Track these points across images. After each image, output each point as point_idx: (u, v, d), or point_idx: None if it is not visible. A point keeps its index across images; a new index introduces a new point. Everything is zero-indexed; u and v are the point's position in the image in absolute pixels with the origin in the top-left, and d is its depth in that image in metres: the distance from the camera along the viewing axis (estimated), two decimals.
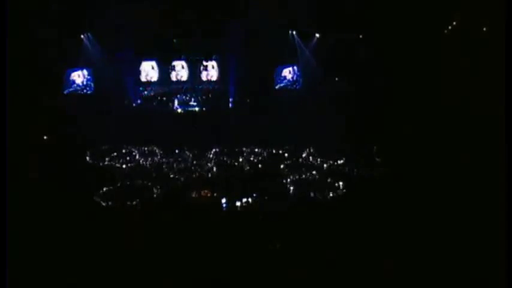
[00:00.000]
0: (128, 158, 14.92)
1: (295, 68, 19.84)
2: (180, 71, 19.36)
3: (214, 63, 19.57)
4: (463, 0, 15.59)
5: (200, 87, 19.50)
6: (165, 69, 19.11)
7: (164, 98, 19.20)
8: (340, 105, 16.90)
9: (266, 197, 12.01)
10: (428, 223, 9.76)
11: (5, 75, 8.44)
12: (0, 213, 7.32)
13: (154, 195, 12.38)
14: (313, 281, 8.22)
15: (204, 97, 19.49)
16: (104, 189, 12.57)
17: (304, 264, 8.67)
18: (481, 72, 14.28)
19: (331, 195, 12.35)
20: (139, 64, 18.79)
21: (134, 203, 11.80)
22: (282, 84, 19.91)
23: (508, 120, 8.03)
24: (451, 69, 15.19)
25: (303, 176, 13.70)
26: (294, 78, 19.90)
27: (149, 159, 15.07)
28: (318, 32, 18.69)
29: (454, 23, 16.34)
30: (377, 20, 16.26)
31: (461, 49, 15.52)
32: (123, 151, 15.54)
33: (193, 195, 12.15)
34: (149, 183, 13.00)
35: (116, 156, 15.12)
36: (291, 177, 13.61)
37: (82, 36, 17.06)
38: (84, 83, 17.79)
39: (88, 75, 17.83)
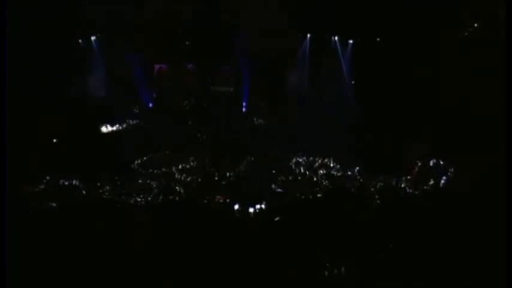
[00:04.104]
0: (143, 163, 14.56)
1: None
2: (192, 74, 19.13)
3: (227, 66, 19.43)
4: (463, 2, 15.27)
5: (213, 91, 19.27)
6: (178, 72, 18.91)
7: (176, 102, 18.94)
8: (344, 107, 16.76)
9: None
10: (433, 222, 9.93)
11: (5, 77, 8.29)
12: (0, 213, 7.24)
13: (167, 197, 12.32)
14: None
15: (216, 101, 19.22)
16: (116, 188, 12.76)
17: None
18: (481, 72, 13.89)
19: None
20: (151, 67, 18.60)
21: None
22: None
23: (508, 120, 7.81)
24: (451, 69, 14.85)
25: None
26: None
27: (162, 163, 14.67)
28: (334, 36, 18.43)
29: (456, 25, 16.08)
30: (379, 22, 16.13)
31: (461, 50, 15.21)
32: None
33: (206, 201, 11.84)
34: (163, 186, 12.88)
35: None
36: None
37: (92, 38, 16.76)
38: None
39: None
